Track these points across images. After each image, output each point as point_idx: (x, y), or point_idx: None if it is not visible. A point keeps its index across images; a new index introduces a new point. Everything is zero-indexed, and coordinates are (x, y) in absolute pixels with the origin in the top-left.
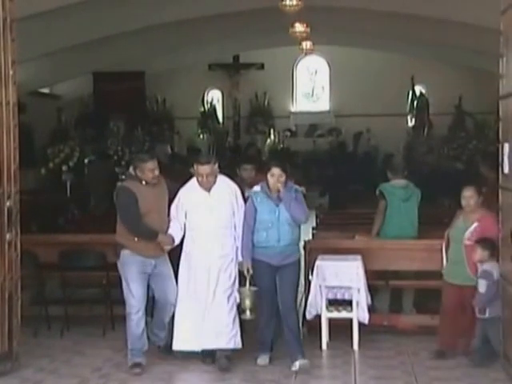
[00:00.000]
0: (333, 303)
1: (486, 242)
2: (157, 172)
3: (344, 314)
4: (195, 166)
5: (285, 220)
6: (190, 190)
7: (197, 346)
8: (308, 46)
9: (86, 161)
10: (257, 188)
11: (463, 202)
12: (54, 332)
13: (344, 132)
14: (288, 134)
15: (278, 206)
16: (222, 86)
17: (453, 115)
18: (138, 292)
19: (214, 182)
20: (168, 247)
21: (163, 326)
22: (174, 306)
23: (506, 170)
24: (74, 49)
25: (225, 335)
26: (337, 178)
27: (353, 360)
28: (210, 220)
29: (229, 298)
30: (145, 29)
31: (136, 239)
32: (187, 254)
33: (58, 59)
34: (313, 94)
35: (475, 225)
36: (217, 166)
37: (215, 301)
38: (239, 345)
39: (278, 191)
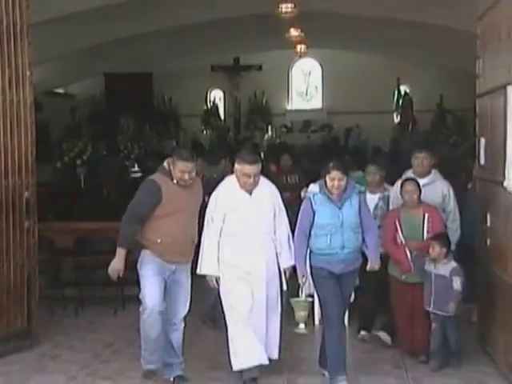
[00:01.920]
0: None
1: (443, 239)
2: (187, 176)
3: None
4: (239, 165)
5: (348, 225)
6: (230, 191)
7: (257, 361)
8: (302, 50)
9: (97, 155)
10: (315, 188)
11: (406, 197)
12: (69, 311)
13: (336, 128)
14: (284, 129)
15: (340, 209)
16: (224, 86)
17: (435, 112)
18: (152, 293)
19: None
20: (111, 272)
21: (174, 353)
22: (182, 325)
23: (482, 161)
24: (86, 51)
25: (275, 347)
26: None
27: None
28: (252, 224)
29: (277, 307)
30: (153, 33)
31: (159, 241)
32: (227, 263)
33: (72, 61)
34: (307, 93)
35: (427, 217)
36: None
37: (266, 312)
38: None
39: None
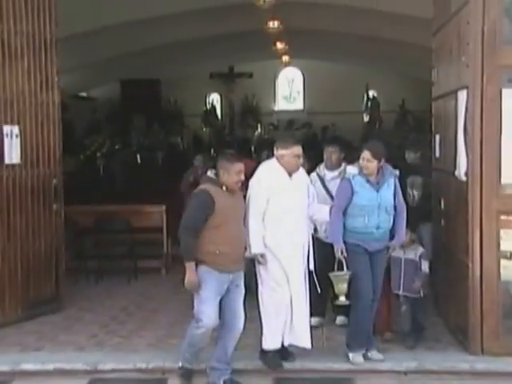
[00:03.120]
0: None
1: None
2: (243, 175)
3: None
4: (288, 150)
5: (384, 207)
6: (273, 175)
7: (286, 342)
8: (287, 60)
9: (113, 149)
10: (354, 170)
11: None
12: (90, 281)
13: (314, 125)
14: (271, 127)
15: (378, 191)
16: (220, 90)
17: (398, 113)
18: (210, 312)
19: None
20: (189, 287)
21: (226, 358)
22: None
23: (437, 154)
24: (105, 61)
25: (308, 333)
26: (309, 160)
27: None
28: (294, 207)
29: (306, 293)
30: (161, 46)
31: (217, 252)
32: (268, 246)
33: (93, 70)
34: (290, 97)
35: None
36: None
37: (304, 293)
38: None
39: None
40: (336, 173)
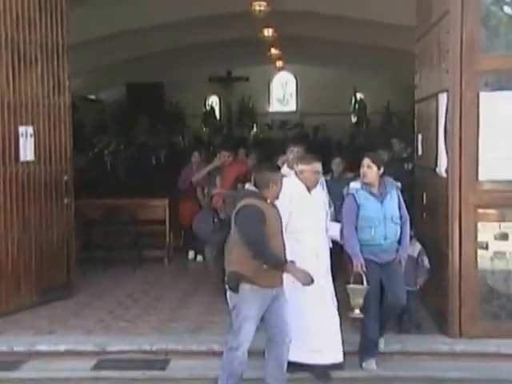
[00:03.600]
0: None
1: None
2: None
3: None
4: (308, 165)
5: (390, 217)
6: (295, 190)
7: (321, 359)
8: (280, 65)
9: (119, 147)
10: (356, 185)
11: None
12: (98, 269)
13: (306, 126)
14: (266, 127)
15: (382, 203)
16: (219, 93)
17: (383, 114)
18: (249, 333)
19: None
20: (302, 281)
21: (282, 375)
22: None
23: (420, 152)
24: (112, 67)
25: (340, 347)
26: None
27: None
28: (315, 221)
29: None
30: (164, 52)
31: (265, 267)
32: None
33: (101, 74)
34: (284, 99)
35: None
36: None
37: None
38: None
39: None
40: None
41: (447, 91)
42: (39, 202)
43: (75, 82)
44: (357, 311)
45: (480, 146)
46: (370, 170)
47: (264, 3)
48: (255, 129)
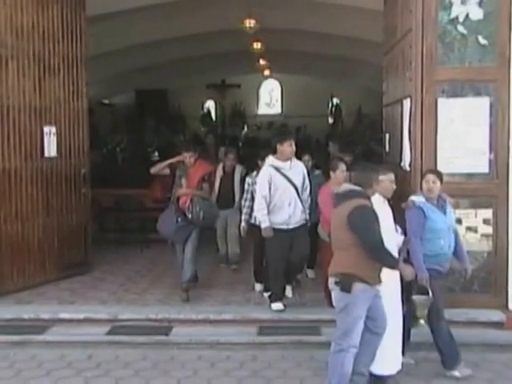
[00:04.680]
0: None
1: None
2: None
3: None
4: (383, 175)
5: (452, 227)
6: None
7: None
8: (268, 73)
9: (129, 145)
10: (420, 198)
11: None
12: (111, 249)
13: (290, 126)
14: (255, 127)
15: (445, 214)
16: (215, 98)
17: (356, 116)
18: (360, 332)
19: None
20: (408, 277)
21: (371, 361)
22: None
23: (387, 149)
24: (124, 75)
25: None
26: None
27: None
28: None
29: None
30: (168, 63)
31: (376, 265)
32: None
33: (114, 82)
34: (270, 103)
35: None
36: None
37: None
38: None
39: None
40: (288, 163)
41: (410, 97)
42: (61, 192)
43: (92, 89)
44: (422, 321)
45: (438, 143)
46: (435, 185)
47: (253, 21)
48: (246, 129)
